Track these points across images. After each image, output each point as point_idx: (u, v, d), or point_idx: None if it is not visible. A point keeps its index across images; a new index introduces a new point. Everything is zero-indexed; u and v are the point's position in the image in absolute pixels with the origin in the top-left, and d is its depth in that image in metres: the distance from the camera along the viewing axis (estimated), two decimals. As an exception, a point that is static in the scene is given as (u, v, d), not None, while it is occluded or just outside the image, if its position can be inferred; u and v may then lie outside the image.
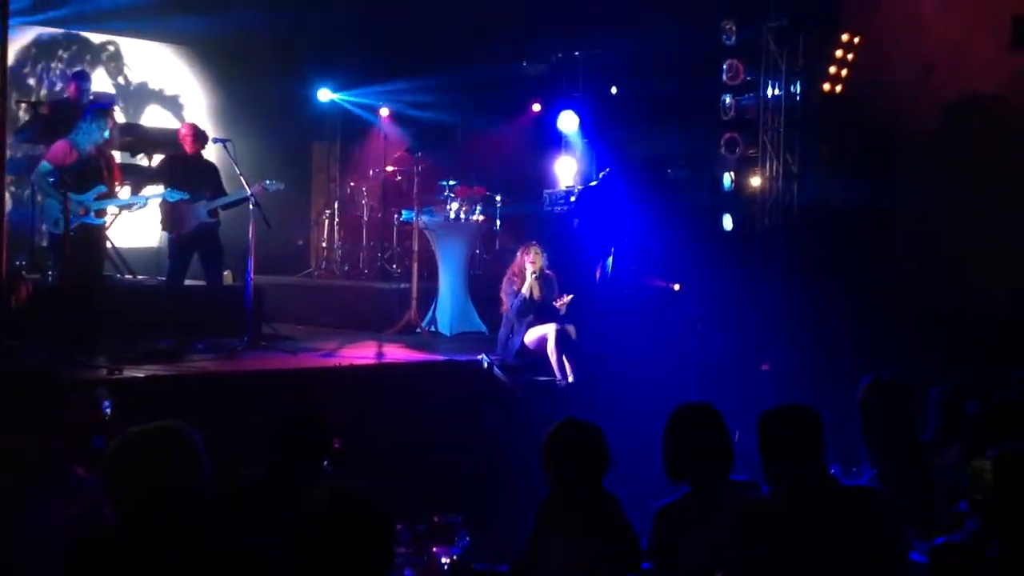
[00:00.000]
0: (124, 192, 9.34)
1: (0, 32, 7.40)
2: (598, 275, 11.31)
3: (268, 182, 9.24)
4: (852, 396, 4.83)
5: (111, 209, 8.69)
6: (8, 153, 10.17)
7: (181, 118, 13.57)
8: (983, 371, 6.77)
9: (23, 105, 11.13)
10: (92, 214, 8.16)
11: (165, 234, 9.30)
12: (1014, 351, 9.09)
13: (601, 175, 11.78)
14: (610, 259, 11.28)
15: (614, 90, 13.15)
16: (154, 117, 13.49)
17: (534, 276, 9.42)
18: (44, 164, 8.05)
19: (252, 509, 4.04)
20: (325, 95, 14.48)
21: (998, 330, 9.98)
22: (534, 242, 9.73)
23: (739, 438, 4.43)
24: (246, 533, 3.32)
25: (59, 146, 8.07)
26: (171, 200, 8.70)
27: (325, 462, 4.32)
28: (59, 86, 12.35)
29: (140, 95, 13.52)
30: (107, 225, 8.86)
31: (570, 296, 9.36)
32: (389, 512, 2.85)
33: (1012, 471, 3.37)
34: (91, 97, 10.33)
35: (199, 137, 9.21)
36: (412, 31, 13.32)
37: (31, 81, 12.33)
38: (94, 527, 3.30)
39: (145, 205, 8.86)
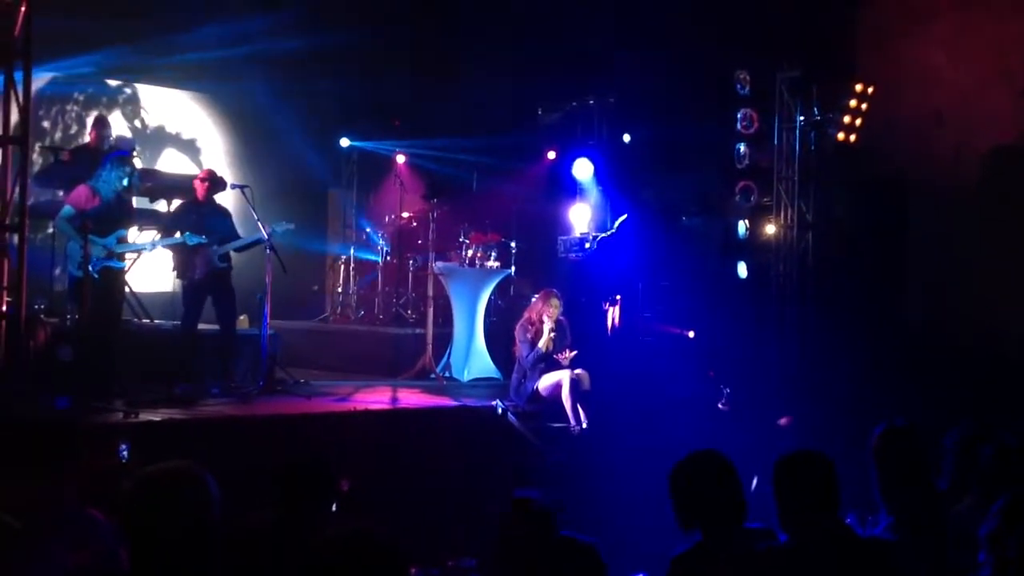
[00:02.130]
0: (142, 236, 9.42)
1: (24, 84, 7.51)
2: (610, 323, 11.31)
3: (276, 225, 9.29)
4: (867, 444, 4.81)
5: (129, 253, 8.76)
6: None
7: (199, 162, 13.68)
8: (998, 418, 6.73)
9: (37, 148, 11.20)
10: (116, 258, 8.24)
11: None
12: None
13: (618, 222, 11.82)
14: (617, 307, 11.29)
15: (627, 138, 13.24)
16: (171, 161, 13.57)
17: (551, 332, 9.38)
18: (67, 208, 8.12)
19: (262, 553, 4.05)
20: (345, 143, 14.66)
21: (1013, 377, 9.94)
22: (554, 290, 9.69)
23: (756, 486, 4.40)
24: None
25: (81, 191, 8.14)
26: (191, 243, 8.75)
27: (333, 506, 4.32)
28: (74, 129, 12.43)
29: (157, 139, 13.58)
30: (126, 269, 8.92)
31: (574, 352, 9.33)
32: (403, 556, 2.86)
33: None
34: (111, 143, 10.43)
35: (214, 184, 9.30)
36: (429, 80, 13.47)
37: (46, 124, 12.31)
38: (107, 572, 3.31)
39: (168, 246, 8.91)
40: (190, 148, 13.97)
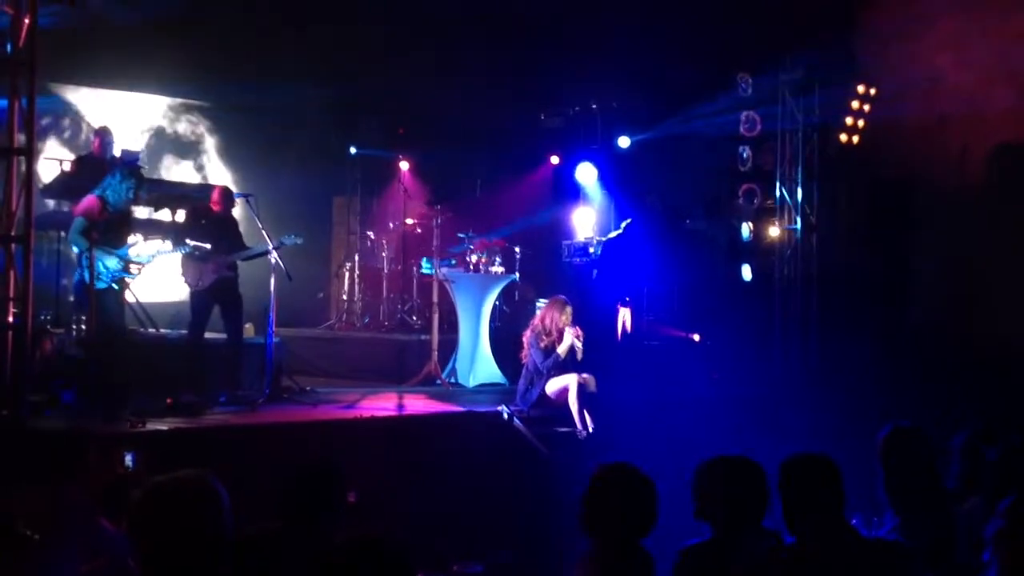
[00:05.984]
0: (148, 246, 9.43)
1: (29, 95, 7.52)
2: (619, 328, 11.30)
3: (285, 238, 9.30)
4: (873, 445, 4.82)
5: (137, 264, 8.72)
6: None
7: (200, 167, 13.65)
8: (1004, 420, 6.73)
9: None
10: (132, 268, 8.25)
11: (187, 288, 9.35)
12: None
13: (623, 225, 11.81)
14: (627, 309, 11.28)
15: (626, 142, 13.25)
16: (170, 168, 13.44)
17: (578, 338, 9.28)
18: (80, 220, 8.02)
19: (270, 562, 4.05)
20: (352, 151, 14.70)
21: (1018, 378, 9.92)
22: (564, 297, 9.62)
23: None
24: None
25: (91, 201, 8.04)
26: (183, 252, 8.78)
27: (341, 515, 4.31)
28: (67, 135, 12.35)
29: (156, 145, 13.37)
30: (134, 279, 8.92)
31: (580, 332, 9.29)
32: (410, 561, 2.87)
33: None
34: (115, 152, 10.43)
35: (227, 200, 9.33)
36: (432, 86, 13.48)
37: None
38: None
39: (170, 253, 8.93)
40: (191, 154, 13.82)
